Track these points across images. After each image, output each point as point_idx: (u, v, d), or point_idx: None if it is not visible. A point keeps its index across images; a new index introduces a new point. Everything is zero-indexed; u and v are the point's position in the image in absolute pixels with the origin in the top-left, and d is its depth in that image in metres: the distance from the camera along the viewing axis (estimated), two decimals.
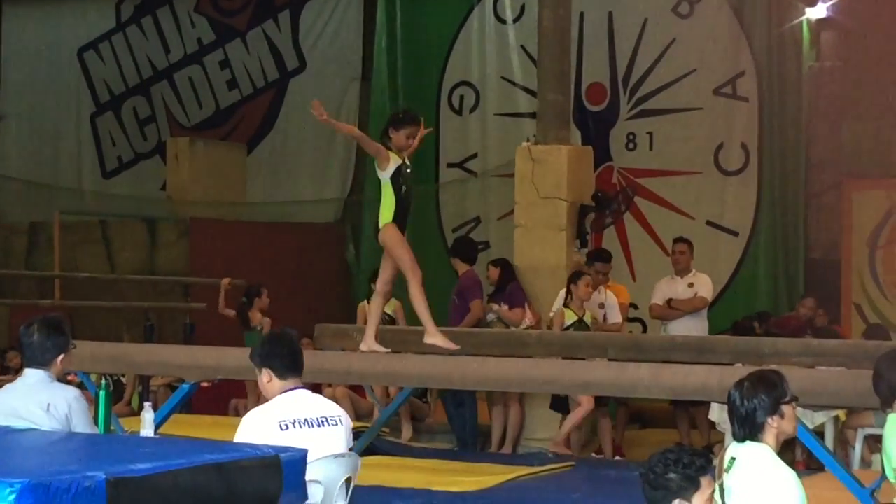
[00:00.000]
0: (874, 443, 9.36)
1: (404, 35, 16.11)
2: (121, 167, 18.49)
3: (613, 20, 15.17)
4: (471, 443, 11.67)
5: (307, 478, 4.78)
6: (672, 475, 4.43)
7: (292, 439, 5.54)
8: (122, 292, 15.28)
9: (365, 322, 9.21)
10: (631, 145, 15.09)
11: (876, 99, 14.23)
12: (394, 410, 10.14)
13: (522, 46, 15.33)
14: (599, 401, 10.98)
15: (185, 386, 8.54)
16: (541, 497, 8.96)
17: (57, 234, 15.26)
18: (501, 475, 9.41)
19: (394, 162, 7.86)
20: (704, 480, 4.46)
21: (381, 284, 8.20)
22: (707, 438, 11.33)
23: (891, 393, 6.24)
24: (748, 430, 5.28)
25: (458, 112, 15.97)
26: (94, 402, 7.28)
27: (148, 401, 8.80)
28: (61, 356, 6.26)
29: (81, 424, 6.13)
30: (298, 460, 4.68)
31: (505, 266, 11.73)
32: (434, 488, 8.77)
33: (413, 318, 9.91)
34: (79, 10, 18.73)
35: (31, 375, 6.22)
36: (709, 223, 14.58)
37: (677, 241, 12.20)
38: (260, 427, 5.74)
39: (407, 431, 11.99)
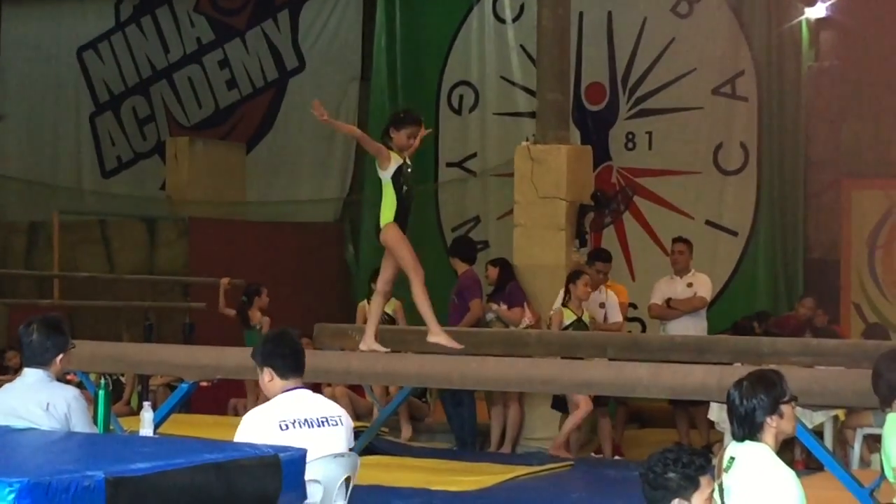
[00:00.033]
0: (873, 442, 9.36)
1: (404, 35, 16.09)
2: (120, 167, 18.47)
3: (613, 20, 15.17)
4: (470, 442, 11.67)
5: (306, 477, 4.78)
6: (671, 475, 4.43)
7: (292, 439, 5.53)
8: (121, 292, 15.27)
9: (365, 322, 9.21)
10: (630, 145, 15.08)
11: (875, 99, 14.22)
12: (393, 410, 10.12)
13: (522, 46, 15.32)
14: (599, 400, 10.97)
15: (185, 385, 8.54)
16: (540, 497, 8.96)
17: (56, 233, 15.25)
18: (500, 475, 9.41)
19: (395, 162, 7.86)
20: (704, 480, 4.46)
21: (381, 284, 8.20)
22: (706, 438, 11.33)
23: (890, 392, 6.24)
24: (747, 429, 5.28)
25: (458, 112, 15.95)
26: (93, 401, 7.28)
27: (147, 400, 8.80)
28: (60, 356, 6.26)
29: (81, 424, 6.13)
30: (298, 460, 4.67)
31: (504, 265, 11.72)
32: (433, 488, 8.77)
33: (413, 318, 9.92)
34: (78, 9, 18.70)
35: (31, 375, 6.22)
36: (708, 223, 14.57)
37: (676, 240, 12.20)
38: (260, 427, 5.73)
39: (406, 431, 11.99)
